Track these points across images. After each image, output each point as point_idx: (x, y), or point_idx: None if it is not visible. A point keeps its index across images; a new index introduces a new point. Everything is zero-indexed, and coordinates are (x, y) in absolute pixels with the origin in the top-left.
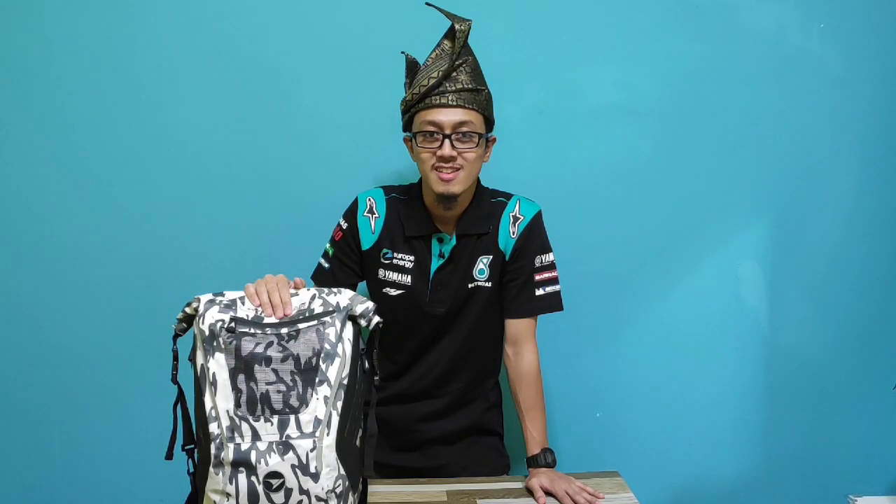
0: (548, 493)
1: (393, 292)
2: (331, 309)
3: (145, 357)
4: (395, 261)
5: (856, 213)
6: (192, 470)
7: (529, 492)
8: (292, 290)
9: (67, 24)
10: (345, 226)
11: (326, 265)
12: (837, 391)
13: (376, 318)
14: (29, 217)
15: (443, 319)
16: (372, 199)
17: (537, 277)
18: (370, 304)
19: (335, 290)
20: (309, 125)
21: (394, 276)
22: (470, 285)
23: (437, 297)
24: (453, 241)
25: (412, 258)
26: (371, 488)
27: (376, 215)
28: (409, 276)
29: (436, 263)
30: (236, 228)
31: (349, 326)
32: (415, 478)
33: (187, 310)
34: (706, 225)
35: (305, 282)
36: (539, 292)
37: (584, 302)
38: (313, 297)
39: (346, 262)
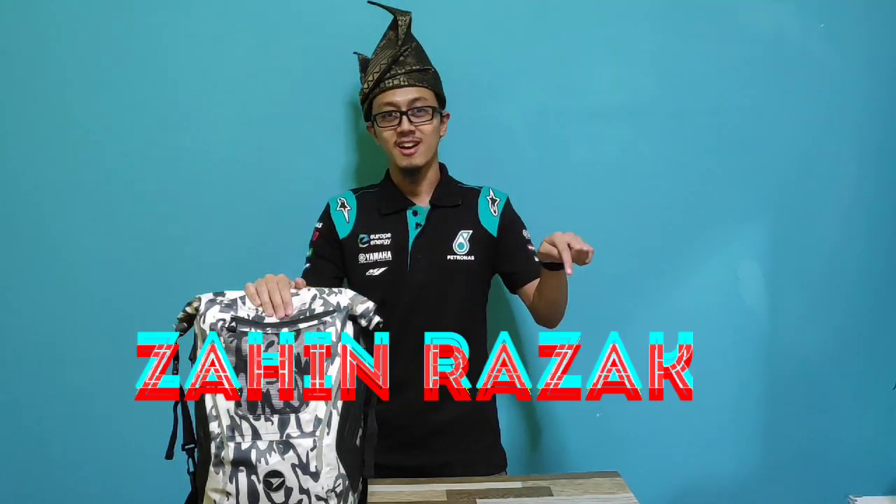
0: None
1: (376, 272)
2: (331, 309)
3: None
4: (372, 242)
5: (855, 212)
6: (192, 469)
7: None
8: (293, 291)
9: (69, 22)
10: (320, 225)
11: (308, 265)
12: (837, 391)
13: (377, 319)
14: (28, 217)
15: (426, 293)
16: (342, 199)
17: (529, 247)
18: (370, 304)
19: (336, 290)
20: (310, 125)
21: (374, 255)
22: (449, 257)
23: (418, 266)
24: (428, 209)
25: (388, 235)
26: (371, 488)
27: (348, 208)
28: (389, 253)
29: (413, 233)
30: (235, 229)
31: (350, 326)
32: (414, 476)
33: (188, 309)
34: (706, 225)
35: (305, 283)
36: (536, 259)
37: (583, 301)
38: (314, 298)
39: (326, 257)
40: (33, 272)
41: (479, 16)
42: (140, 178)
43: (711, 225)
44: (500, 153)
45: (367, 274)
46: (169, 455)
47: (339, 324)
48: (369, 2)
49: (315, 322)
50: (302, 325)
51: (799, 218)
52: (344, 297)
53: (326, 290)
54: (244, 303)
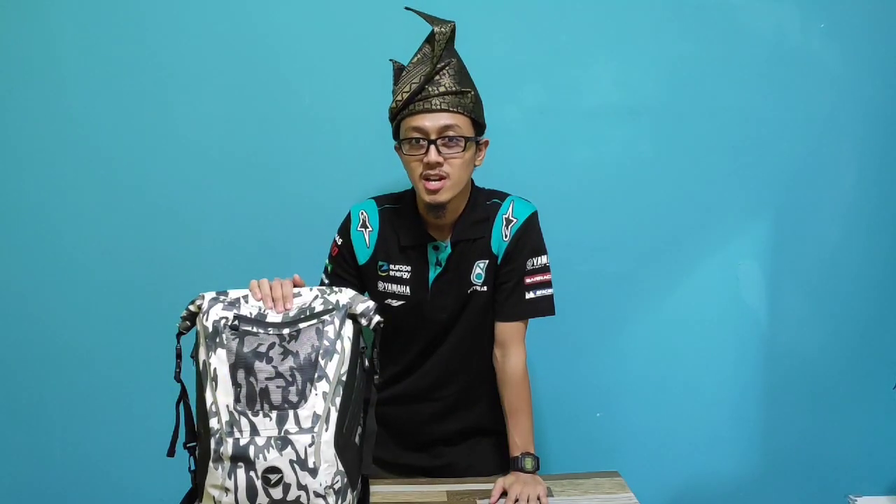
0: (505, 494)
1: (394, 303)
2: (331, 307)
3: (145, 355)
4: (391, 272)
5: (855, 212)
6: (193, 468)
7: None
8: (295, 290)
9: (72, 22)
10: (340, 241)
11: (327, 281)
12: (837, 391)
13: (377, 318)
14: (29, 214)
15: (443, 324)
16: (365, 213)
17: (528, 280)
18: (371, 304)
19: (336, 289)
20: (311, 126)
21: (393, 287)
22: (469, 290)
23: (438, 304)
24: (448, 249)
25: (409, 268)
26: (372, 488)
27: (370, 229)
28: (408, 287)
29: (433, 272)
30: (239, 227)
31: (349, 324)
32: (421, 476)
33: (191, 307)
34: (706, 225)
35: (304, 282)
36: (529, 295)
37: (584, 302)
38: (315, 297)
39: (345, 277)
40: (33, 270)
41: (479, 16)
42: (142, 177)
43: (711, 225)
44: (499, 153)
45: (386, 302)
46: (171, 453)
47: (337, 321)
48: (406, 8)
49: (314, 321)
50: (302, 326)
51: (799, 218)
52: (344, 295)
53: (328, 289)
54: (246, 301)
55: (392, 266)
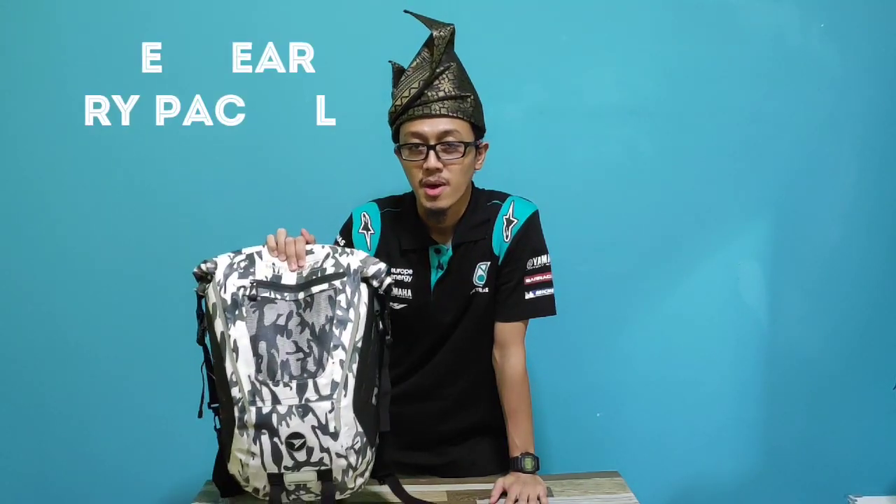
0: (504, 494)
1: (396, 306)
2: (342, 271)
3: (149, 350)
4: (393, 276)
5: (855, 212)
6: (218, 426)
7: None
8: (307, 247)
9: (75, 21)
10: (342, 243)
11: None
12: (837, 391)
13: (388, 280)
14: (30, 210)
15: (446, 326)
16: (367, 216)
17: (528, 280)
18: (382, 266)
19: (348, 250)
20: (312, 126)
21: (394, 290)
22: (471, 292)
23: (440, 307)
24: (450, 252)
25: (410, 272)
26: (373, 488)
27: (371, 231)
28: (410, 290)
29: (435, 275)
30: (242, 226)
31: (362, 289)
32: (424, 475)
33: (203, 266)
34: (706, 225)
35: (314, 237)
36: (529, 296)
37: (584, 302)
38: (327, 256)
39: None
40: (33, 268)
41: (480, 16)
42: (144, 173)
43: (711, 225)
44: (500, 153)
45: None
46: (200, 414)
47: (349, 290)
48: (405, 11)
49: (326, 286)
50: (315, 289)
51: (799, 218)
52: (355, 258)
53: (339, 249)
54: (261, 258)
55: (394, 269)
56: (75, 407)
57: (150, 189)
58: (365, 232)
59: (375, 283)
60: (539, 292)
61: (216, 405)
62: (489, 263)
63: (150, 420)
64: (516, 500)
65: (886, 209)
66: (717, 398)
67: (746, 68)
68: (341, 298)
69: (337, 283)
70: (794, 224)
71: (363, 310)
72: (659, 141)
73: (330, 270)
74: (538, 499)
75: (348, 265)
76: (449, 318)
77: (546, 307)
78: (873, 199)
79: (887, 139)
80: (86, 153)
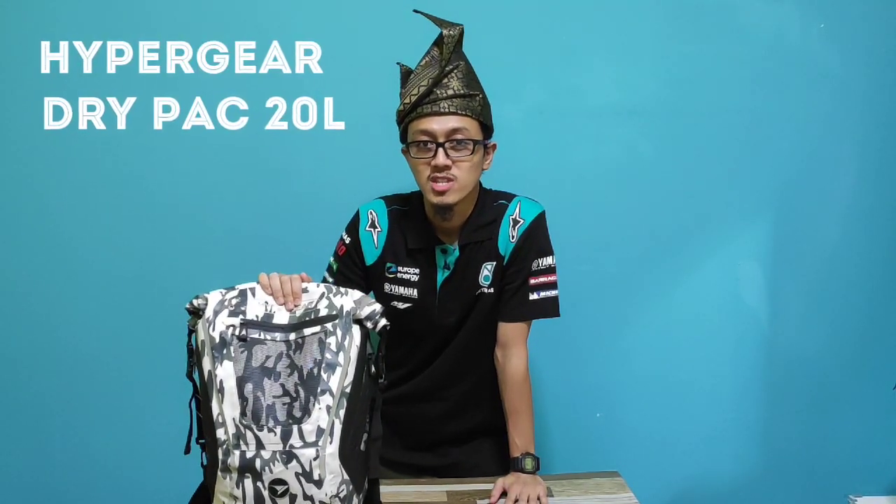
0: (504, 494)
1: (401, 306)
2: (334, 313)
3: (149, 355)
4: (399, 275)
5: (855, 212)
6: (205, 462)
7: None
8: (303, 285)
9: (69, 19)
10: (348, 240)
11: (331, 280)
12: (837, 391)
13: (383, 322)
14: (31, 212)
15: (451, 326)
16: (374, 213)
17: (532, 281)
18: (377, 307)
19: (343, 290)
20: (319, 126)
21: (400, 289)
22: (476, 292)
23: (446, 307)
24: (457, 252)
25: (416, 271)
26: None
27: (378, 229)
28: (415, 290)
29: (441, 276)
30: (246, 226)
31: (355, 331)
32: (426, 476)
33: (195, 302)
34: (706, 225)
35: (311, 278)
36: (533, 297)
37: (584, 302)
38: (321, 296)
39: (350, 277)
40: (33, 268)
41: (480, 16)
42: (146, 176)
43: (711, 225)
44: (500, 153)
45: (392, 304)
46: (187, 450)
47: (339, 332)
48: (415, 10)
49: (318, 329)
50: (306, 331)
51: (799, 218)
52: (349, 298)
53: (335, 288)
54: (254, 295)
55: (400, 268)
56: (75, 408)
57: (147, 197)
58: (372, 230)
59: (370, 325)
60: (543, 293)
61: (203, 441)
62: (495, 264)
63: (150, 421)
64: (516, 500)
65: (886, 209)
66: (716, 398)
67: (746, 68)
68: (331, 341)
69: (329, 325)
70: (794, 224)
71: (354, 353)
72: (659, 141)
73: (323, 312)
74: (538, 499)
75: (341, 307)
76: (453, 319)
77: (550, 309)
78: (873, 199)
79: (887, 139)
80: (80, 159)
